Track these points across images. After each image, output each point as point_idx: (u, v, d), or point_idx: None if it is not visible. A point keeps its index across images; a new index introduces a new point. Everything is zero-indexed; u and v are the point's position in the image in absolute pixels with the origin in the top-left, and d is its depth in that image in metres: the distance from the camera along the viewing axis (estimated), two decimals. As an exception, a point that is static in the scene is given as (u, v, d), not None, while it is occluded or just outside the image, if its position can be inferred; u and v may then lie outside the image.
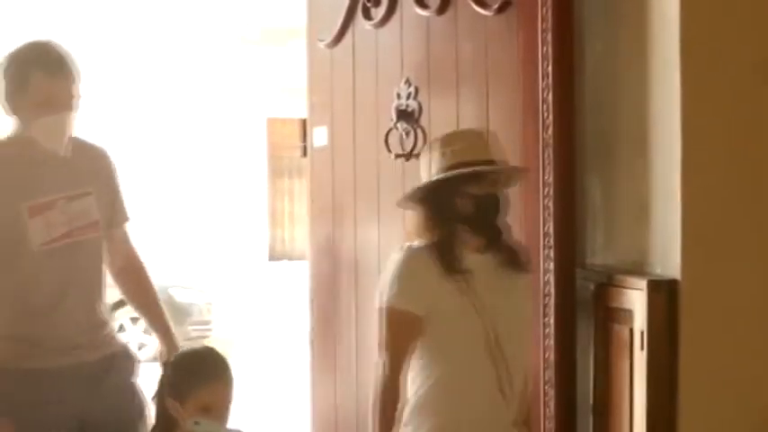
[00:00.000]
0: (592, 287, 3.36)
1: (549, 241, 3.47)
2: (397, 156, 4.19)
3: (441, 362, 3.15)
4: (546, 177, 3.49)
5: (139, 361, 3.68)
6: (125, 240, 3.70)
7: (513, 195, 3.54)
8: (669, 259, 3.12)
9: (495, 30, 3.75)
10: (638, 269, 3.24)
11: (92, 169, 3.57)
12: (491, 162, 3.20)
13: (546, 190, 3.49)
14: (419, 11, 4.08)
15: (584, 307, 3.41)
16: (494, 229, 3.21)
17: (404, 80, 4.18)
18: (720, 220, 3.12)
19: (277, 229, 13.72)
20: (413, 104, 4.14)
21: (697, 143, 3.10)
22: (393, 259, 3.22)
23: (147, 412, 3.48)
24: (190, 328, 11.18)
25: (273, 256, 13.53)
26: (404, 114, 4.16)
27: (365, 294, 4.48)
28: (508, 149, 3.68)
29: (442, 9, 3.97)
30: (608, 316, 3.31)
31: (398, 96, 4.19)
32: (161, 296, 3.79)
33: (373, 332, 4.41)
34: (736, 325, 3.15)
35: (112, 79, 11.72)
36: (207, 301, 12.27)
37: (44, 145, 3.42)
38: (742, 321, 3.15)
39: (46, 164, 3.44)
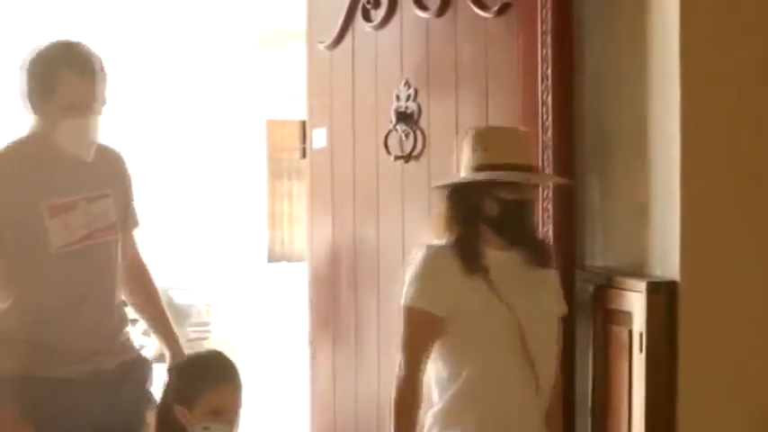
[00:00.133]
0: (591, 289, 3.36)
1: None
2: (397, 158, 4.19)
3: (470, 362, 3.10)
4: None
5: (152, 367, 3.63)
6: (133, 245, 3.67)
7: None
8: (668, 261, 3.12)
9: (495, 32, 3.75)
10: (637, 271, 3.24)
11: (109, 172, 3.53)
12: (528, 167, 3.15)
13: (545, 192, 3.49)
14: (419, 12, 4.08)
15: (584, 309, 3.41)
16: (519, 232, 3.16)
17: (403, 82, 4.18)
18: (720, 221, 3.13)
19: (276, 230, 13.70)
20: (412, 106, 4.14)
21: (696, 145, 3.10)
22: (414, 257, 3.18)
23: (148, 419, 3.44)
24: (189, 329, 11.17)
25: (272, 258, 13.52)
26: (403, 116, 4.16)
27: (364, 296, 4.48)
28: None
29: (441, 11, 3.97)
30: (607, 318, 3.31)
31: (398, 98, 4.19)
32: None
33: (372, 333, 4.42)
34: (735, 327, 3.15)
35: (112, 80, 11.70)
36: (206, 303, 12.26)
37: (68, 149, 3.37)
38: (741, 323, 3.16)
39: (66, 164, 3.38)
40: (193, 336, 11.13)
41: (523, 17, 3.58)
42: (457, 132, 3.92)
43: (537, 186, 3.27)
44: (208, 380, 3.08)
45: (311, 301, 4.94)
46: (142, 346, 3.70)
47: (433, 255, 3.15)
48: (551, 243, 3.32)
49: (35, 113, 3.38)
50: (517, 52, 3.63)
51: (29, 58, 3.39)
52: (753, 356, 3.18)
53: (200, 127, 12.49)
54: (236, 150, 12.86)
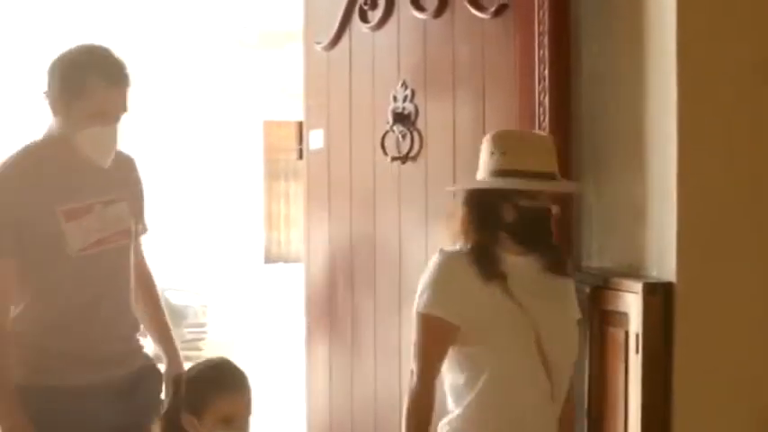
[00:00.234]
0: (587, 290, 3.36)
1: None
2: (394, 159, 4.19)
3: (487, 369, 3.03)
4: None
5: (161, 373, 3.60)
6: (140, 251, 3.64)
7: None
8: (665, 262, 3.12)
9: (492, 33, 3.75)
10: (633, 272, 3.24)
11: (123, 176, 3.52)
12: (551, 175, 3.06)
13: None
14: (416, 13, 4.08)
15: (580, 310, 3.40)
16: (537, 240, 3.09)
17: (400, 83, 4.18)
18: (716, 222, 3.13)
19: (273, 231, 13.70)
20: (409, 107, 4.14)
21: (693, 146, 3.10)
22: (430, 263, 3.11)
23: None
24: (185, 330, 11.17)
25: (269, 259, 13.52)
26: (400, 117, 4.16)
27: (361, 296, 4.48)
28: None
29: (438, 12, 3.97)
30: (603, 319, 3.31)
31: (395, 99, 4.19)
32: (156, 299, 3.77)
33: (369, 333, 4.42)
34: (731, 328, 3.15)
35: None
36: (202, 304, 12.25)
37: (89, 154, 3.34)
38: (738, 324, 3.16)
39: (83, 169, 3.36)
40: (190, 337, 11.13)
41: (520, 18, 3.58)
42: (454, 133, 3.93)
43: (561, 196, 3.21)
44: (218, 387, 3.04)
45: (307, 302, 4.94)
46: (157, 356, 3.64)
47: (449, 260, 3.08)
48: (568, 249, 3.27)
49: (57, 116, 3.35)
50: (514, 53, 3.63)
51: (58, 61, 3.35)
52: (749, 358, 3.18)
53: (197, 128, 12.49)
54: (233, 151, 12.86)
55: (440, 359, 3.07)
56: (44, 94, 3.37)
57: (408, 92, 4.15)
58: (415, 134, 4.11)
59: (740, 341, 3.17)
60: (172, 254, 11.84)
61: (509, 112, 3.65)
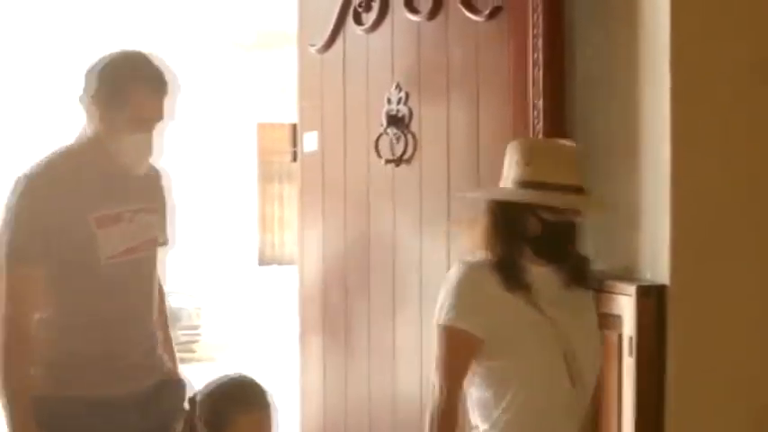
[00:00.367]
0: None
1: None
2: (388, 161, 4.19)
3: (515, 384, 2.92)
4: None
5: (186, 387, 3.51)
6: (160, 263, 3.58)
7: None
8: (658, 265, 3.12)
9: (486, 35, 3.76)
10: (627, 275, 3.24)
11: (152, 187, 3.49)
12: (578, 189, 2.94)
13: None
14: (410, 16, 4.08)
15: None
16: (560, 253, 2.98)
17: (394, 85, 4.18)
18: (710, 225, 3.13)
19: (267, 233, 13.70)
20: (403, 110, 4.14)
21: (686, 148, 3.11)
22: (450, 274, 3.00)
23: None
24: (179, 332, 11.15)
25: (263, 261, 13.51)
26: (394, 120, 4.16)
27: (355, 298, 4.48)
28: (499, 156, 3.70)
29: (432, 14, 3.97)
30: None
31: (389, 101, 4.19)
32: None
33: (363, 335, 4.42)
34: (725, 330, 3.16)
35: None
36: (196, 306, 12.24)
37: (126, 161, 3.31)
38: (731, 327, 3.16)
39: (117, 175, 3.32)
40: (183, 339, 11.12)
41: (514, 21, 3.58)
42: (448, 136, 3.93)
43: (587, 210, 3.07)
44: (238, 405, 2.93)
45: (301, 304, 4.94)
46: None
47: (470, 271, 2.96)
48: (591, 260, 3.12)
49: (94, 120, 3.30)
50: (508, 56, 3.63)
51: (97, 66, 3.31)
52: (743, 360, 3.19)
53: (191, 129, 12.49)
54: (227, 153, 12.86)
55: (464, 373, 2.95)
56: (79, 99, 3.32)
57: (402, 94, 4.15)
58: (409, 137, 4.11)
59: (733, 343, 3.17)
60: (165, 255, 11.83)
61: (503, 115, 3.66)
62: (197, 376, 3.47)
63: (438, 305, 2.98)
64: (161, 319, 3.58)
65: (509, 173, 2.98)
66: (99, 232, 3.24)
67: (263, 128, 13.33)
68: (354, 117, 4.46)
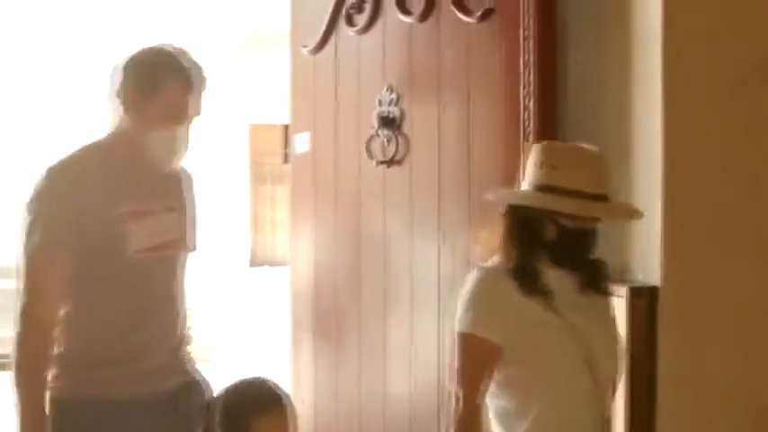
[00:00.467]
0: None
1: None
2: (379, 162, 4.19)
3: (540, 395, 2.81)
4: (527, 184, 3.51)
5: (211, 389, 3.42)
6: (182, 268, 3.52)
7: (490, 206, 3.55)
8: (650, 266, 3.13)
9: (478, 37, 3.76)
10: (619, 276, 3.25)
11: (181, 188, 3.44)
12: (598, 196, 2.82)
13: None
14: (402, 17, 4.08)
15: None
16: (578, 260, 2.87)
17: (386, 87, 4.18)
18: (701, 227, 3.14)
19: (258, 234, 13.69)
20: (395, 111, 4.14)
21: (678, 151, 3.12)
22: (468, 280, 2.88)
23: None
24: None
25: (255, 262, 13.50)
26: (386, 121, 4.17)
27: (346, 300, 4.48)
28: (490, 158, 3.71)
29: (424, 16, 3.97)
30: (589, 322, 3.31)
31: (380, 103, 4.20)
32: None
33: (354, 337, 4.42)
34: (716, 332, 3.17)
35: (99, 81, 11.67)
36: (188, 307, 12.22)
37: (156, 156, 3.26)
38: (722, 328, 3.17)
39: (147, 171, 3.27)
40: (175, 340, 11.09)
41: (506, 22, 3.59)
42: (439, 138, 3.94)
43: (608, 219, 2.96)
44: (259, 410, 2.84)
45: (293, 305, 4.94)
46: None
47: (488, 277, 2.86)
48: (609, 265, 3.00)
49: (127, 114, 3.24)
50: (500, 57, 3.63)
51: (133, 60, 3.26)
52: (734, 361, 3.20)
53: (183, 131, 12.48)
54: (218, 154, 12.85)
55: (486, 382, 2.83)
56: (107, 96, 3.27)
57: (394, 96, 4.15)
58: (401, 138, 4.11)
59: (725, 344, 3.18)
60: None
61: (494, 117, 3.66)
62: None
63: (456, 313, 2.87)
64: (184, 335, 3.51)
65: (531, 175, 2.87)
66: (127, 226, 3.18)
67: (255, 129, 13.32)
68: (346, 118, 4.47)
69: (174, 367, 3.34)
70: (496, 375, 2.84)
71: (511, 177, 3.51)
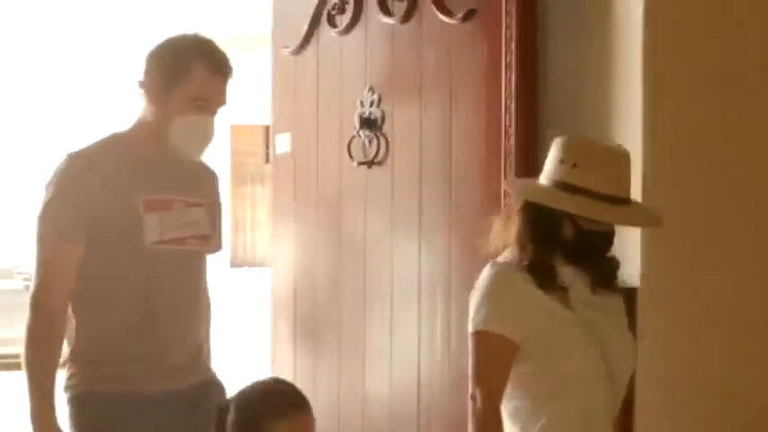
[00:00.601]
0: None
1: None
2: (360, 163, 4.19)
3: (559, 390, 2.74)
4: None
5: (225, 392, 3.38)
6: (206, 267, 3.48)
7: (474, 205, 3.56)
8: (629, 269, 3.13)
9: (460, 38, 3.76)
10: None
11: (205, 186, 3.39)
12: (623, 200, 2.74)
13: (507, 199, 3.50)
14: (384, 19, 4.08)
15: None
16: (593, 261, 2.80)
17: (367, 88, 4.18)
18: (680, 229, 3.15)
19: (239, 235, 13.67)
20: (376, 112, 4.14)
21: (658, 153, 3.13)
22: (481, 277, 2.81)
23: None
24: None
25: (235, 263, 13.48)
26: (367, 122, 4.17)
27: (327, 300, 4.48)
28: (471, 159, 3.71)
29: (406, 17, 3.98)
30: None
31: (362, 104, 4.20)
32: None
33: (333, 337, 4.42)
34: (694, 333, 3.18)
35: (86, 82, 11.63)
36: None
37: (180, 144, 3.19)
38: (700, 329, 3.19)
39: (169, 163, 3.22)
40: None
41: (488, 24, 3.59)
42: (421, 139, 3.94)
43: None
44: (279, 409, 2.69)
45: (273, 306, 4.93)
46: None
47: (502, 272, 2.78)
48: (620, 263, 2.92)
49: (152, 103, 3.20)
50: (481, 58, 3.64)
51: (160, 47, 3.22)
52: (711, 362, 3.21)
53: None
54: (199, 155, 12.83)
55: (504, 381, 2.73)
56: (139, 83, 3.23)
57: (375, 97, 4.15)
58: (382, 139, 4.11)
59: (702, 346, 3.20)
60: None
61: (476, 118, 3.67)
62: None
63: (470, 311, 2.79)
64: (207, 338, 3.47)
65: (550, 170, 2.78)
66: (146, 216, 3.13)
67: (235, 130, 13.31)
68: (327, 119, 4.47)
69: (196, 366, 3.30)
70: (512, 373, 2.76)
71: (492, 178, 3.52)
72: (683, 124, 3.17)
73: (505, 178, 3.46)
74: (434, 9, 3.81)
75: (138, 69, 3.26)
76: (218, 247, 3.49)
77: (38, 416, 3.06)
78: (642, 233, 3.09)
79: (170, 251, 3.18)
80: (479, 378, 2.74)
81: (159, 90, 3.18)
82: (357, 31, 4.27)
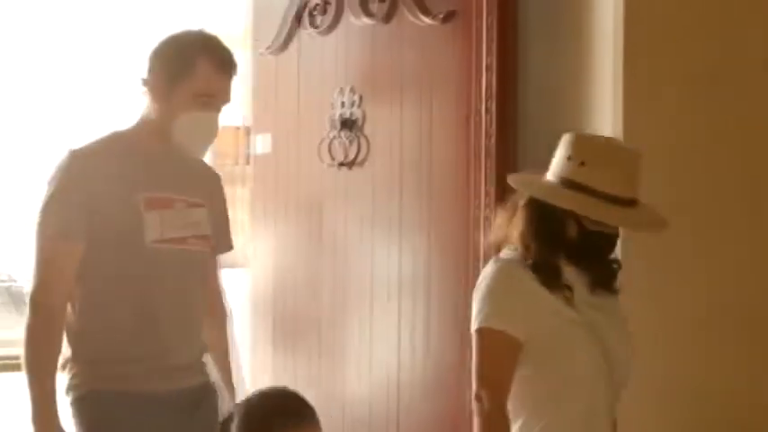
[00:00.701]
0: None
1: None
2: (340, 164, 4.19)
3: (561, 389, 2.67)
4: (487, 187, 3.53)
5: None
6: (214, 269, 3.42)
7: (454, 205, 3.57)
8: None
9: (440, 39, 3.77)
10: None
11: (208, 186, 3.31)
12: (631, 201, 2.66)
13: (487, 200, 3.51)
14: (365, 19, 4.08)
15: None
16: (595, 263, 2.73)
17: (348, 88, 4.18)
18: (658, 234, 3.16)
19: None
20: (356, 112, 4.14)
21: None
22: (485, 273, 2.73)
23: None
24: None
25: (214, 265, 13.48)
26: (347, 122, 4.16)
27: (306, 301, 4.48)
28: (451, 159, 3.71)
29: (387, 18, 3.98)
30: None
31: (342, 104, 4.20)
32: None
33: (313, 338, 4.41)
34: (673, 340, 3.20)
35: (81, 82, 11.60)
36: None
37: (183, 141, 3.13)
38: (675, 331, 3.21)
39: (171, 161, 3.16)
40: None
41: (468, 25, 3.60)
42: (401, 139, 3.94)
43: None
44: (286, 418, 2.62)
45: (253, 306, 4.92)
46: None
47: (508, 269, 2.69)
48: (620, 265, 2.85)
49: (156, 100, 3.14)
50: (461, 59, 3.64)
51: (164, 44, 3.16)
52: (689, 369, 3.23)
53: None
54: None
55: (510, 379, 2.64)
56: (142, 81, 3.17)
57: (356, 97, 4.15)
58: (363, 140, 4.11)
59: (676, 348, 3.22)
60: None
61: (455, 118, 3.67)
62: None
63: (473, 309, 2.70)
64: (215, 332, 3.38)
65: (558, 167, 2.70)
66: (146, 214, 3.08)
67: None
68: (307, 119, 4.46)
69: (198, 367, 3.25)
70: (522, 373, 2.67)
71: (472, 178, 3.53)
72: (660, 122, 3.18)
73: (485, 179, 3.47)
74: (415, 10, 3.82)
75: (139, 67, 3.21)
76: (228, 248, 3.42)
77: (38, 416, 3.01)
78: (622, 238, 3.09)
79: (171, 250, 3.13)
80: (484, 377, 2.65)
81: (163, 86, 3.12)
82: (338, 32, 4.27)
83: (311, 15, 4.38)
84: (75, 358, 3.11)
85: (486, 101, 3.50)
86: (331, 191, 4.30)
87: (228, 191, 3.46)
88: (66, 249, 3.06)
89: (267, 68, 4.73)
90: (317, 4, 4.33)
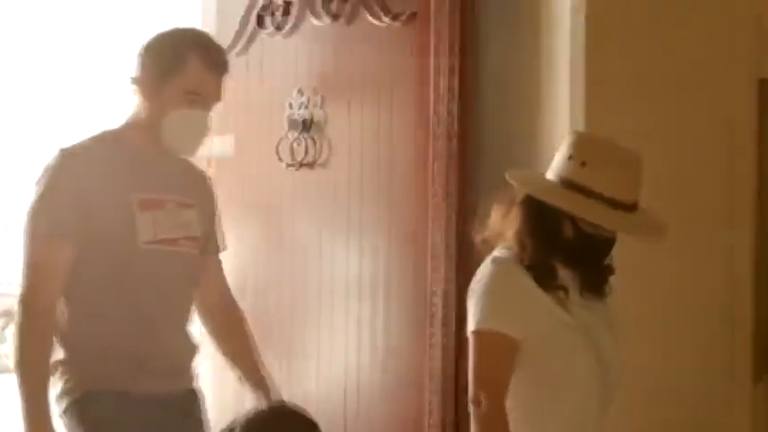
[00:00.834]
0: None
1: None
2: (302, 165, 4.19)
3: (556, 392, 2.63)
4: (448, 188, 3.55)
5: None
6: (219, 270, 3.39)
7: (414, 206, 3.58)
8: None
9: (402, 41, 3.79)
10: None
11: (198, 187, 3.28)
12: (632, 206, 2.59)
13: (451, 200, 3.53)
14: (328, 21, 4.09)
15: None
16: (589, 266, 2.67)
17: (310, 90, 4.18)
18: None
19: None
20: (317, 113, 4.15)
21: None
22: (481, 273, 2.67)
23: None
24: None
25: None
26: (307, 123, 4.17)
27: (270, 302, 4.47)
28: (412, 159, 3.73)
29: (350, 19, 3.99)
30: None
31: (302, 105, 4.20)
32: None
33: (281, 340, 4.41)
34: (651, 348, 3.23)
35: (75, 82, 11.59)
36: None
37: (173, 140, 3.09)
38: (650, 334, 3.23)
39: (162, 162, 3.12)
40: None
41: (429, 27, 3.62)
42: (362, 140, 3.95)
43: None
44: None
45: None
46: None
47: (504, 269, 2.63)
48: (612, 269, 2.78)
49: (146, 98, 3.09)
50: (422, 60, 3.66)
51: (154, 41, 3.12)
52: (647, 369, 3.25)
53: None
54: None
55: (508, 380, 2.59)
56: (132, 79, 3.12)
57: (317, 98, 4.15)
58: (324, 141, 4.11)
59: (651, 352, 3.24)
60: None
61: (416, 118, 3.69)
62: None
63: (470, 310, 2.65)
64: (234, 333, 3.34)
65: (557, 166, 2.64)
66: (140, 215, 3.05)
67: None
68: (269, 121, 4.45)
69: (188, 370, 3.22)
70: (519, 375, 2.63)
71: (433, 180, 3.54)
72: (618, 124, 3.19)
73: (446, 180, 3.48)
74: (377, 12, 3.83)
75: (129, 66, 3.17)
76: (216, 249, 3.38)
77: (30, 417, 2.97)
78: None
79: (162, 251, 3.09)
80: (482, 379, 2.59)
81: (153, 84, 3.08)
82: (301, 33, 4.27)
83: (274, 17, 4.38)
84: (66, 361, 3.07)
85: (449, 102, 3.51)
86: (290, 192, 4.30)
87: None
88: (57, 250, 3.01)
89: (230, 70, 4.71)
90: (279, 6, 4.33)
